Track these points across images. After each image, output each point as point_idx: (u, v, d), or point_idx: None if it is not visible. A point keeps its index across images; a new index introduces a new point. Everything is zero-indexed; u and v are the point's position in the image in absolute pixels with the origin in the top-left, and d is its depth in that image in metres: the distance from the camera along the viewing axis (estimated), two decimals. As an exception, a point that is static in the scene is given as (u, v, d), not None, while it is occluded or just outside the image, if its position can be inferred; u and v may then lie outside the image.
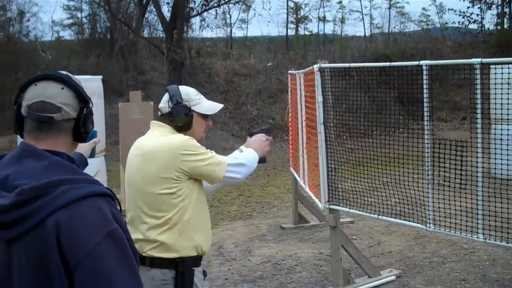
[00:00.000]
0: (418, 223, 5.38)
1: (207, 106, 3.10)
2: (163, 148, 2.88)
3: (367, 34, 38.66)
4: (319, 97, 5.90)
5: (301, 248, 7.65)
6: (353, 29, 62.63)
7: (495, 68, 7.26)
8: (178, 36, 19.40)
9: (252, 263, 7.10)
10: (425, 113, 5.01)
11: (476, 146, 4.75)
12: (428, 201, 5.12)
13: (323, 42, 35.26)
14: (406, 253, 7.23)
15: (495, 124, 8.10)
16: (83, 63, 20.04)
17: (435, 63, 5.06)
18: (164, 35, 20.79)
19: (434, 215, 5.12)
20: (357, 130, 6.09)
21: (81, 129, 1.84)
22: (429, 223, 5.14)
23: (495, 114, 7.90)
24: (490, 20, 41.53)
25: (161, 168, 2.85)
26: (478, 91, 4.62)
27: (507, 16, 36.08)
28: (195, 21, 23.28)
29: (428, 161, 5.08)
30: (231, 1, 23.08)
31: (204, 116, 3.09)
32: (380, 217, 5.69)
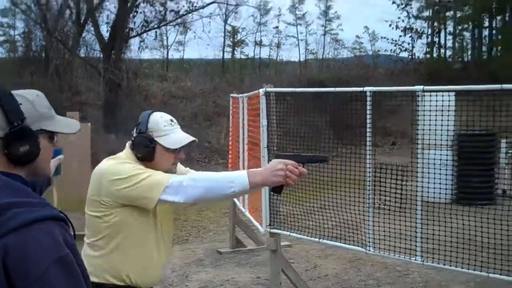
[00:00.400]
0: (357, 246, 5.45)
1: (172, 139, 2.86)
2: (96, 172, 2.83)
3: (302, 60, 39.48)
4: (263, 121, 5.93)
5: (239, 273, 7.62)
6: (289, 54, 63.45)
7: (429, 96, 7.51)
8: (116, 57, 19.18)
9: (190, 288, 7.01)
10: (368, 138, 5.12)
11: (416, 170, 4.89)
12: (368, 225, 5.20)
13: (259, 66, 35.67)
14: (342, 276, 7.32)
15: (429, 149, 8.34)
16: (16, 82, 19.48)
17: (378, 90, 5.20)
18: (101, 55, 20.50)
19: (374, 238, 5.20)
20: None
21: (4, 150, 1.73)
22: (369, 246, 5.21)
23: (426, 139, 8.15)
24: (420, 49, 43.36)
25: (92, 191, 2.82)
26: (420, 118, 4.77)
27: (436, 46, 37.73)
28: (134, 41, 23.10)
29: (369, 185, 5.17)
30: (171, 23, 22.92)
31: (170, 149, 2.87)
32: (321, 240, 5.73)
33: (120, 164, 2.80)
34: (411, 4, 37.97)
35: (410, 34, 37.80)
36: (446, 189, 9.81)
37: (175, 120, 2.93)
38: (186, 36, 34.56)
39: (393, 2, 38.10)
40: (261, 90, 5.99)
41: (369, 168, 5.19)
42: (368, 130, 5.10)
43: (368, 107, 5.04)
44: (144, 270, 2.88)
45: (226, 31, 36.24)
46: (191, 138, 2.92)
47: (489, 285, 6.75)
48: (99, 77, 19.65)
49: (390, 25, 37.66)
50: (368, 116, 5.06)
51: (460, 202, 10.56)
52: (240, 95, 8.18)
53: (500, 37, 34.60)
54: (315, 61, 38.80)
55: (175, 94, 22.25)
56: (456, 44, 37.62)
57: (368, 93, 5.04)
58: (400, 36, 38.31)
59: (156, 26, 21.94)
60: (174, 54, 39.78)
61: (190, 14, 23.03)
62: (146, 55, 36.93)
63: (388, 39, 37.86)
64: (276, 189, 2.79)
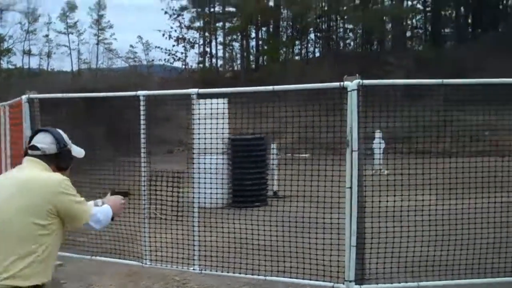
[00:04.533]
0: (134, 259, 5.16)
1: (77, 150, 3.30)
2: (46, 183, 2.97)
3: (75, 69, 38.27)
4: (27, 131, 5.36)
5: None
6: (61, 64, 60.86)
7: (204, 103, 7.50)
8: None
9: None
10: (142, 145, 4.86)
11: (192, 177, 4.76)
12: (144, 236, 4.94)
13: (28, 76, 33.80)
14: (120, 292, 6.93)
15: (205, 155, 8.34)
16: None
17: (152, 93, 4.99)
18: None
19: (150, 251, 4.96)
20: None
21: None
22: (146, 259, 4.96)
23: (202, 145, 8.13)
24: (193, 59, 44.44)
25: (38, 199, 2.91)
26: (196, 124, 4.66)
27: (208, 55, 38.88)
28: None
29: (144, 194, 4.92)
30: None
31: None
32: (93, 257, 5.34)
33: (65, 179, 3.03)
34: (183, 15, 38.74)
35: (183, 44, 38.58)
36: (222, 193, 10.00)
37: None
38: None
39: (165, 12, 38.56)
40: (24, 97, 5.44)
41: (144, 177, 4.93)
42: (142, 136, 4.85)
43: (142, 112, 4.81)
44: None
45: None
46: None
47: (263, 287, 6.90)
48: None
49: (163, 34, 38.07)
50: (142, 122, 4.82)
51: (235, 205, 10.81)
52: (2, 103, 7.40)
53: (266, 47, 36.68)
54: (88, 70, 37.86)
55: None
56: (227, 54, 39.19)
57: (141, 97, 4.81)
58: (173, 45, 38.99)
59: None
60: None
61: None
62: None
63: (161, 48, 38.29)
64: (112, 218, 3.34)
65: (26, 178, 3.02)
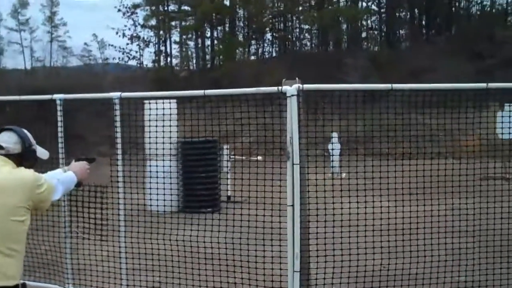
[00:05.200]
0: (56, 283, 4.60)
1: (40, 151, 3.33)
2: (22, 181, 2.98)
3: (29, 67, 37.30)
4: None
5: None
6: (14, 62, 59.42)
7: (156, 103, 6.93)
8: None
9: None
10: (60, 150, 4.34)
11: (117, 186, 4.26)
12: (66, 258, 4.39)
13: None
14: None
15: (155, 160, 7.79)
16: None
17: (69, 97, 4.45)
18: None
19: (73, 273, 4.40)
20: None
21: None
22: (68, 283, 4.41)
23: (150, 150, 7.62)
24: (148, 57, 43.64)
25: (17, 199, 2.92)
26: (118, 127, 4.16)
27: (163, 54, 38.13)
28: None
29: (65, 211, 4.36)
30: None
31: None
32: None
33: (34, 172, 3.08)
34: (136, 13, 37.94)
35: (137, 42, 37.80)
36: (171, 199, 9.50)
37: None
38: None
39: (119, 10, 37.71)
40: None
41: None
42: (60, 141, 4.34)
43: (59, 116, 4.30)
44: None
45: None
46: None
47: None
48: None
49: (116, 32, 37.25)
50: (59, 126, 4.31)
51: (186, 210, 10.25)
52: None
53: (221, 46, 36.15)
54: (43, 68, 36.86)
55: None
56: (182, 53, 38.51)
57: (58, 101, 4.28)
58: (128, 44, 38.19)
59: None
60: None
61: None
62: None
63: (115, 47, 37.46)
64: (78, 184, 3.44)
65: (3, 180, 2.97)
